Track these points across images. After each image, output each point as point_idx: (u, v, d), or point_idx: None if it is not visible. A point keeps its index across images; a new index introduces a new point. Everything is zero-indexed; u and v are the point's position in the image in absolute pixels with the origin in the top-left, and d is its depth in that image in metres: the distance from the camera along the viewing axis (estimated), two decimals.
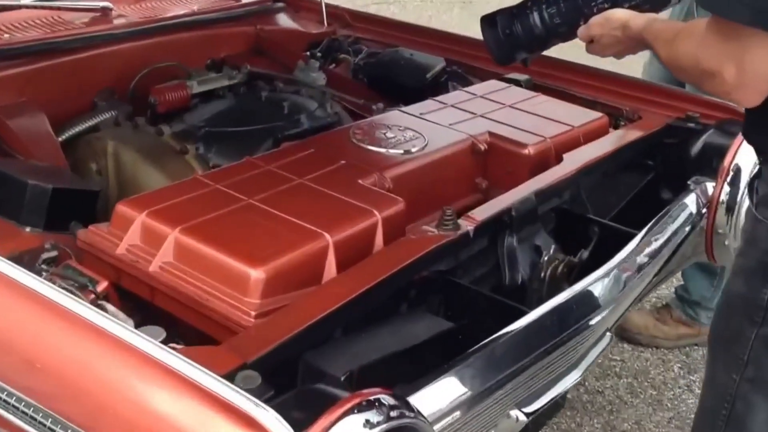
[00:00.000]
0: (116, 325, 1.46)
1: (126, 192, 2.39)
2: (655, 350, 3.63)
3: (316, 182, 2.02)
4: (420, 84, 2.95)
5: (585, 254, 2.17)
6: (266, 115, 2.52)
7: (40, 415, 1.43)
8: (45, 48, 2.58)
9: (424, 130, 2.36)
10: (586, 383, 3.35)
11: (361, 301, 1.70)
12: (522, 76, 2.94)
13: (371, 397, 1.38)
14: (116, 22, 2.81)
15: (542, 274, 2.09)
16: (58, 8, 2.76)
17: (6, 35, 2.57)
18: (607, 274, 2.02)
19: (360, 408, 1.35)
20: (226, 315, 1.67)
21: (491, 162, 2.39)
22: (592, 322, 1.97)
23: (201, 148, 2.39)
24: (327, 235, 1.80)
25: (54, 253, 1.82)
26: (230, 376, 1.41)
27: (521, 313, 1.84)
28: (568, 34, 2.09)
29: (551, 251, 2.11)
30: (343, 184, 2.03)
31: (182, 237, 1.77)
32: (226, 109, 2.58)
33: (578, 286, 1.97)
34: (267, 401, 1.35)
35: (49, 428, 1.42)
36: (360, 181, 2.05)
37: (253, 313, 1.66)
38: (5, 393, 1.47)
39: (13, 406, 1.46)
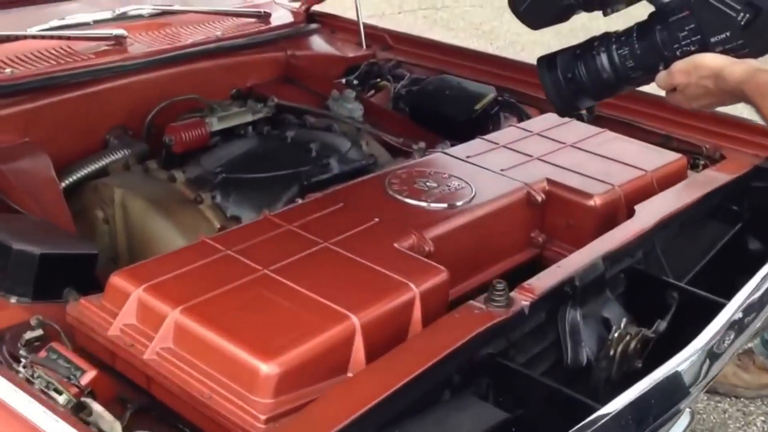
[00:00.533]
0: None
1: (134, 245, 2.12)
2: (735, 400, 3.27)
3: (344, 246, 1.72)
4: (468, 116, 2.65)
5: (662, 326, 1.84)
6: (291, 159, 2.23)
7: None
8: (50, 83, 2.32)
9: (472, 178, 2.06)
10: None
11: (395, 398, 1.41)
12: None
13: None
14: (131, 51, 2.54)
15: (611, 352, 1.77)
16: (68, 38, 2.50)
17: (8, 69, 2.31)
18: (693, 355, 1.69)
19: None
20: (231, 418, 1.38)
21: (550, 213, 2.08)
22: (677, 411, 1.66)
23: (217, 196, 2.11)
24: (354, 317, 1.51)
25: (39, 332, 1.55)
26: None
27: (589, 408, 1.52)
28: (644, 80, 1.77)
29: (622, 324, 1.78)
30: (376, 248, 1.73)
31: (183, 319, 1.49)
32: (247, 152, 2.30)
33: (659, 373, 1.63)
34: None
35: None
36: (396, 244, 1.75)
37: (263, 417, 1.37)
38: None
39: None
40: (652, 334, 1.81)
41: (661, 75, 1.72)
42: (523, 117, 2.75)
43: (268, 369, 1.39)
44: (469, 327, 1.55)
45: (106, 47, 2.56)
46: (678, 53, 1.69)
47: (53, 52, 2.45)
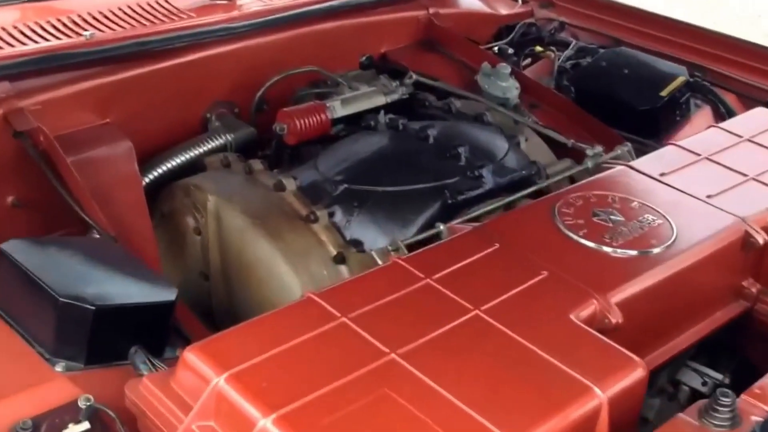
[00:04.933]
0: None
1: (230, 265, 1.70)
2: None
3: (501, 315, 1.26)
4: (652, 105, 2.12)
5: None
6: (433, 166, 1.75)
7: None
8: (140, 49, 1.90)
9: (669, 208, 1.56)
10: None
11: None
12: None
13: None
14: (242, 9, 2.10)
15: None
16: None
17: (88, 32, 1.89)
18: None
19: None
20: None
21: None
22: None
23: (337, 214, 1.66)
24: None
25: (84, 427, 1.16)
26: None
27: None
28: None
29: None
30: (544, 321, 1.27)
31: None
32: (377, 153, 1.82)
33: None
34: None
35: None
36: (572, 315, 1.28)
37: None
38: None
39: None
40: None
41: None
42: (719, 106, 2.21)
43: None
44: None
45: (212, 2, 2.12)
46: None
47: (145, 8, 2.03)
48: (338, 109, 1.92)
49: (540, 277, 1.35)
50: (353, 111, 1.95)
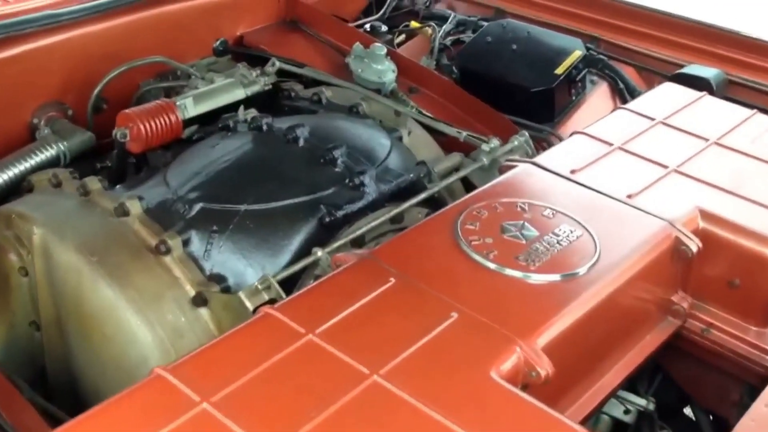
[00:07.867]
0: None
1: (66, 312, 1.38)
2: None
3: (401, 379, 1.00)
4: (547, 85, 1.89)
5: None
6: (306, 175, 1.48)
7: None
8: None
9: (587, 214, 1.33)
10: None
11: None
12: (707, 70, 1.90)
13: None
14: None
15: None
16: None
17: None
18: None
19: None
20: None
21: (701, 263, 1.35)
22: None
23: (193, 242, 1.36)
24: None
25: None
26: None
27: None
28: None
29: None
30: (458, 382, 1.01)
31: None
32: (238, 162, 1.51)
33: None
34: None
35: None
36: (492, 371, 1.03)
37: None
38: None
39: None
40: None
41: None
42: (617, 82, 2.00)
43: None
44: None
45: None
46: None
47: None
48: (190, 107, 1.61)
49: (448, 321, 1.09)
50: (208, 108, 1.65)
